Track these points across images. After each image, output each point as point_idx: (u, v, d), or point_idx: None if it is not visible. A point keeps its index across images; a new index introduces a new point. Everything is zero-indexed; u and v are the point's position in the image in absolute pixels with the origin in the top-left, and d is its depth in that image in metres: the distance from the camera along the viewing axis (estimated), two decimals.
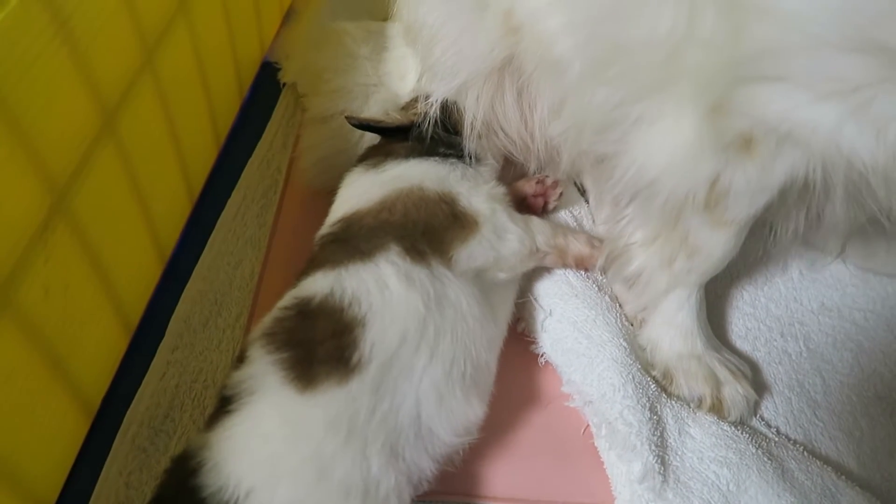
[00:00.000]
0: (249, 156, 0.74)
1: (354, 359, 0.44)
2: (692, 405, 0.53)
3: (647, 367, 0.54)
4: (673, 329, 0.55)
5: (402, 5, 0.62)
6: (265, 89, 0.82)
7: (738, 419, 0.53)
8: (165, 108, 0.59)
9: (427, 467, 0.45)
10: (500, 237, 0.52)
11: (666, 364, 0.54)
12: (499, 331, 0.53)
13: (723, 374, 0.53)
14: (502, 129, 0.59)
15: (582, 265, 0.57)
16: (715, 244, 0.51)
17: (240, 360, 0.47)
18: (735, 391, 0.53)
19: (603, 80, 0.47)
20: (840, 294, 0.62)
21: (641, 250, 0.54)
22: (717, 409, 0.52)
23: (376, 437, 0.42)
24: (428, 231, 0.51)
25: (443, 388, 0.45)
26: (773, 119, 0.40)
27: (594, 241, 0.58)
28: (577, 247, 0.57)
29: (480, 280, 0.51)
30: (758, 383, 0.56)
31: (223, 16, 0.70)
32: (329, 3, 0.83)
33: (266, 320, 0.48)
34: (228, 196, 0.70)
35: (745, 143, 0.42)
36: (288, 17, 0.90)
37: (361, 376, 0.43)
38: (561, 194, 0.61)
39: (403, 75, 0.65)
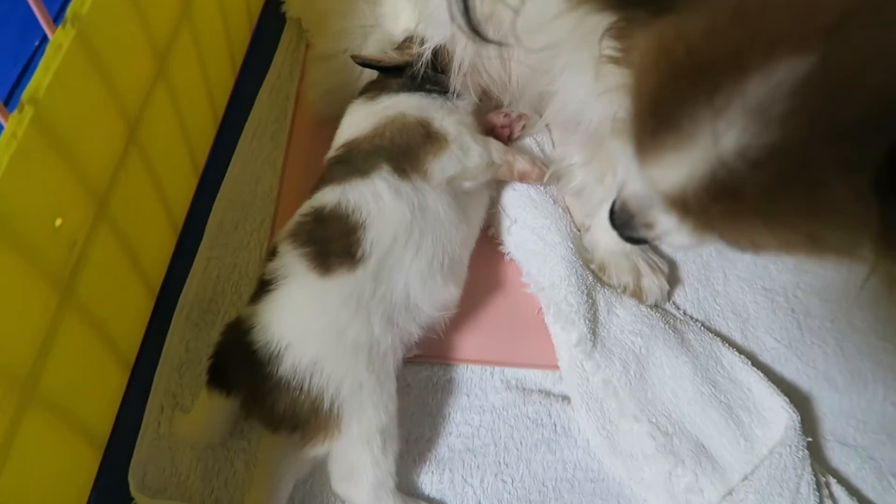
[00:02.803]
0: (261, 84, 0.86)
1: (359, 253, 0.58)
2: (619, 291, 0.68)
3: (587, 262, 0.69)
4: (608, 233, 0.67)
5: None
6: (271, 22, 0.91)
7: (654, 303, 0.68)
8: (197, 45, 0.69)
9: (415, 332, 0.61)
10: (465, 152, 0.65)
11: (602, 259, 0.69)
12: (471, 232, 0.67)
13: (644, 268, 0.69)
14: (485, 69, 0.70)
15: (525, 178, 0.71)
16: None
17: (271, 254, 0.61)
18: (652, 282, 0.68)
19: (538, 40, 0.58)
20: None
21: (581, 169, 0.67)
22: (638, 294, 0.68)
23: (377, 309, 0.57)
24: (408, 151, 0.63)
25: (426, 275, 0.60)
26: None
27: (538, 161, 0.71)
28: (522, 163, 0.69)
29: (453, 191, 0.64)
30: (673, 277, 0.71)
31: None
32: None
33: (290, 224, 0.62)
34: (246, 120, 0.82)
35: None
36: None
37: (364, 266, 0.58)
38: (524, 126, 0.74)
39: (397, 17, 0.75)
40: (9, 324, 0.43)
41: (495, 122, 0.74)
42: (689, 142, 0.34)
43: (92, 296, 0.53)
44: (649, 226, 0.48)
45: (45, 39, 0.82)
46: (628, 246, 0.69)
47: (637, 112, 0.38)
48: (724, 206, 0.35)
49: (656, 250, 0.73)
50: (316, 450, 0.56)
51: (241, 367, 0.56)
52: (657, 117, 0.36)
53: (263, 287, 0.58)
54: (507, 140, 0.74)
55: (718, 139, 0.32)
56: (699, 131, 0.33)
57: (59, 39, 0.45)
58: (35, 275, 0.45)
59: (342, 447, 0.56)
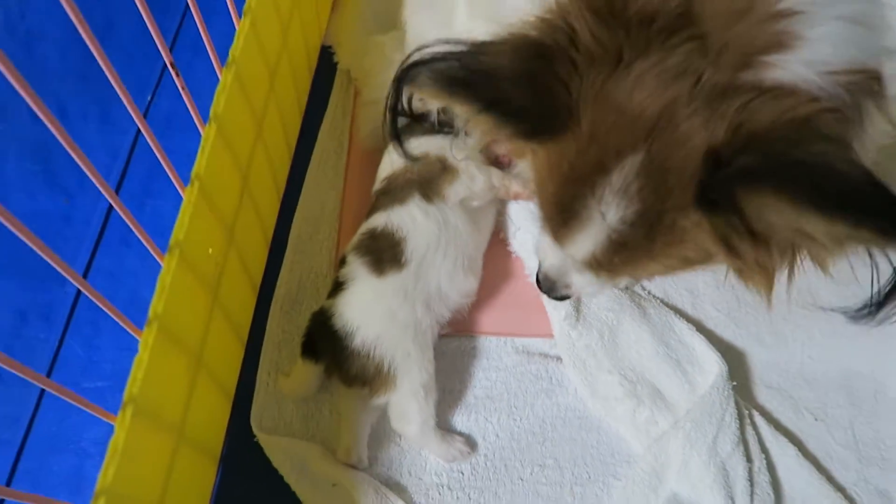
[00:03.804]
0: (321, 121, 1.09)
1: (403, 259, 0.82)
2: None
3: None
4: None
5: (407, 26, 0.95)
6: (325, 69, 1.13)
7: (624, 287, 0.91)
8: (278, 103, 0.93)
9: (446, 314, 0.84)
10: (472, 180, 0.86)
11: None
12: (482, 238, 0.90)
13: None
14: None
15: (518, 197, 0.91)
16: None
17: (342, 262, 0.85)
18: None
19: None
20: None
21: None
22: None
23: (418, 298, 0.80)
24: (431, 181, 0.86)
25: (452, 272, 0.83)
26: None
27: (529, 184, 0.93)
28: (515, 187, 0.90)
29: (467, 209, 0.86)
30: None
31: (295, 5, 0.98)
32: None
33: (353, 240, 0.86)
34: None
35: None
36: (334, 5, 1.20)
37: (408, 268, 0.81)
38: None
39: None
40: (191, 318, 0.68)
41: (498, 152, 0.96)
42: (588, 223, 0.52)
43: (226, 297, 0.77)
44: (568, 286, 0.67)
45: (154, 96, 1.07)
46: None
47: (547, 212, 0.57)
48: (622, 255, 0.54)
49: None
50: (379, 400, 0.80)
51: (326, 343, 0.80)
52: (562, 212, 0.54)
53: (338, 286, 0.82)
54: (507, 167, 0.96)
55: (605, 216, 0.51)
56: (592, 214, 0.52)
57: (208, 133, 0.69)
58: (200, 286, 0.70)
59: (397, 397, 0.79)
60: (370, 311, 0.80)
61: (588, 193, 0.51)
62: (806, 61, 0.47)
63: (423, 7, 0.91)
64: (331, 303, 0.82)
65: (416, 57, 0.51)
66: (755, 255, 0.51)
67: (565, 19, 0.51)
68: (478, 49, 0.51)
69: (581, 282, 0.66)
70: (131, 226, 0.59)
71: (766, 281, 0.54)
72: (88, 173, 0.53)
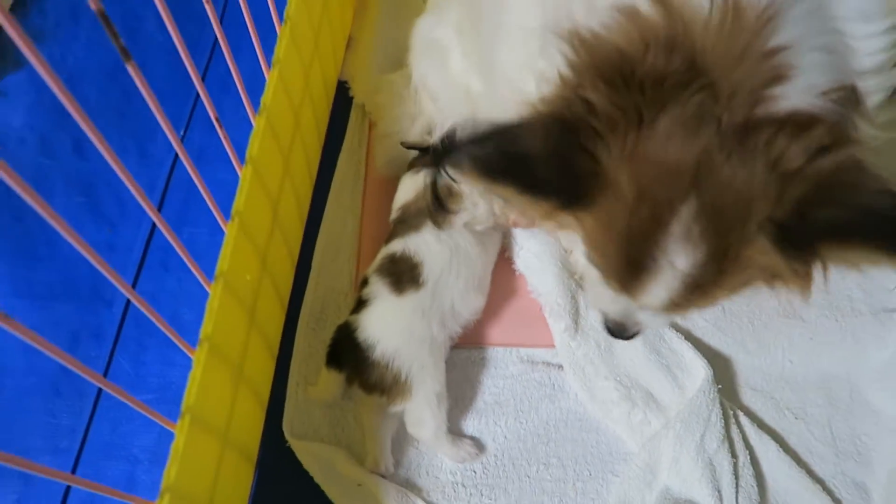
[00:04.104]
0: (339, 150, 1.18)
1: (420, 281, 0.91)
2: None
3: (571, 273, 1.00)
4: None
5: (412, 68, 1.05)
6: (341, 101, 1.23)
7: None
8: (302, 140, 1.03)
9: (458, 330, 0.93)
10: (476, 205, 0.94)
11: (582, 272, 1.00)
12: (490, 259, 0.99)
13: None
14: None
15: (517, 225, 1.00)
16: None
17: (364, 282, 0.94)
18: None
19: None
20: None
21: None
22: None
23: (434, 316, 0.90)
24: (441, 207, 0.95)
25: (464, 292, 0.92)
26: None
27: (526, 213, 1.02)
28: (514, 215, 0.99)
29: (474, 234, 0.95)
30: None
31: (315, 44, 1.06)
32: (380, 32, 1.24)
33: (375, 262, 0.95)
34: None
35: None
36: (349, 43, 1.30)
37: (425, 288, 0.90)
38: None
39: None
40: (234, 337, 0.78)
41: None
42: (660, 273, 0.54)
43: (261, 316, 0.87)
44: (638, 323, 0.72)
45: (187, 130, 1.17)
46: None
47: (612, 269, 0.58)
48: (696, 293, 0.55)
49: None
50: (396, 407, 0.89)
51: (349, 353, 0.89)
52: (631, 268, 0.56)
53: (361, 304, 0.92)
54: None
55: (674, 263, 0.53)
56: (661, 266, 0.53)
57: (245, 174, 0.79)
58: (240, 308, 0.79)
59: (412, 405, 0.88)
60: (390, 326, 0.89)
61: (653, 247, 0.54)
62: (803, 88, 0.53)
63: (426, 53, 1.01)
64: (355, 318, 0.91)
65: (453, 138, 0.53)
66: (804, 268, 0.55)
67: (578, 93, 0.55)
68: (510, 131, 0.53)
69: (648, 318, 0.70)
70: (183, 257, 0.68)
71: (805, 284, 0.57)
72: (145, 207, 0.59)
